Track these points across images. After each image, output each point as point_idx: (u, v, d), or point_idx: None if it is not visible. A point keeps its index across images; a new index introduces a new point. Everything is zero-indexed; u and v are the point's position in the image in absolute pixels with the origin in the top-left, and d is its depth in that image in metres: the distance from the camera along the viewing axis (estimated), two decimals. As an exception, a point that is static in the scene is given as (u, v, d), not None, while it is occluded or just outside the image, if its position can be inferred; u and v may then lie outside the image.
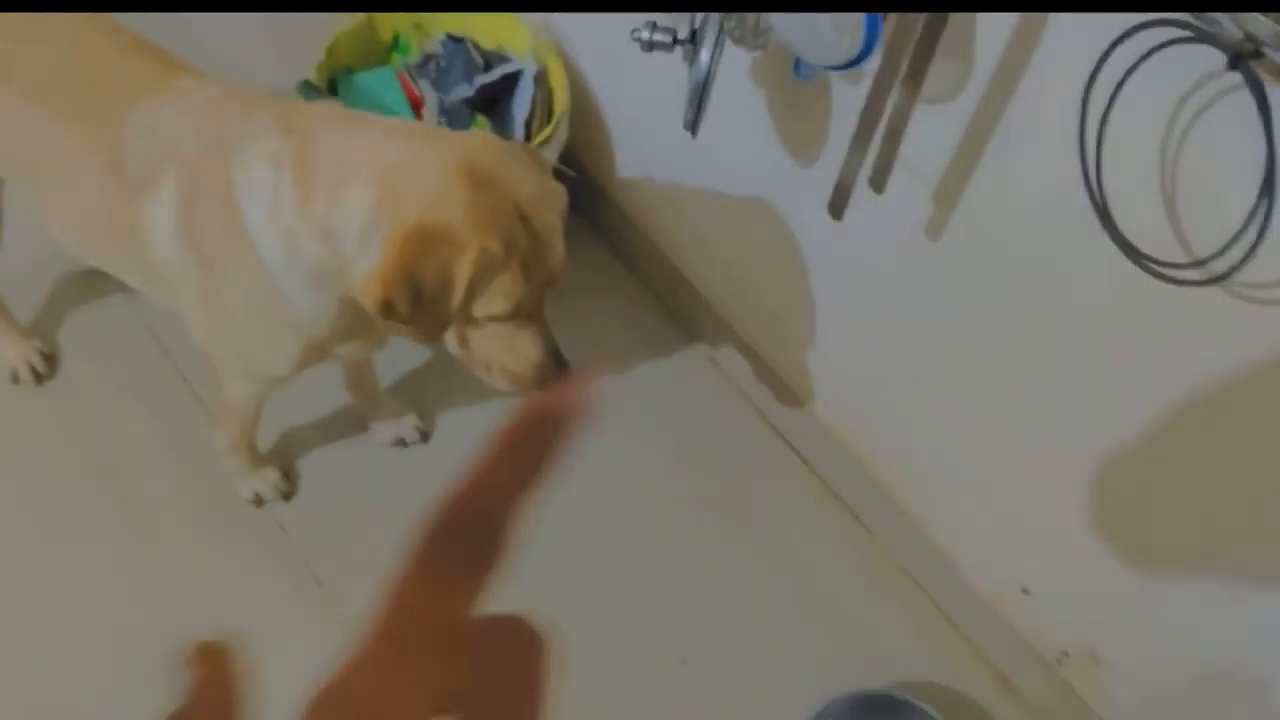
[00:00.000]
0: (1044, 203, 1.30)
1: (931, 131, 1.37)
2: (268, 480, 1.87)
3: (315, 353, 1.47)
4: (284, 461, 1.92)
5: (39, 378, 1.96)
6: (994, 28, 1.23)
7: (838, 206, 1.28)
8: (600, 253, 2.25)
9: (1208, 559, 1.41)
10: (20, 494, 1.86)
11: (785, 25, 1.20)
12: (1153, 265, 1.02)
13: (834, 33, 1.16)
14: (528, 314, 1.30)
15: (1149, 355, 1.28)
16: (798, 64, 1.27)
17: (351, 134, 1.26)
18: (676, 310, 2.17)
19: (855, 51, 1.16)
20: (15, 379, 1.95)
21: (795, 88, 1.44)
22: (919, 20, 1.11)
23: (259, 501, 1.87)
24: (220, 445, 1.79)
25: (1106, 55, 0.95)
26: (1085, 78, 1.02)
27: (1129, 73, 0.96)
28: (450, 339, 1.33)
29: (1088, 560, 1.60)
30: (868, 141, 1.21)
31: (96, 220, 1.47)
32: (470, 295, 1.22)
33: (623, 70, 1.94)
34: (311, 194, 1.24)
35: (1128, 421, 1.38)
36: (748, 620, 1.86)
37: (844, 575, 1.93)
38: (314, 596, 1.80)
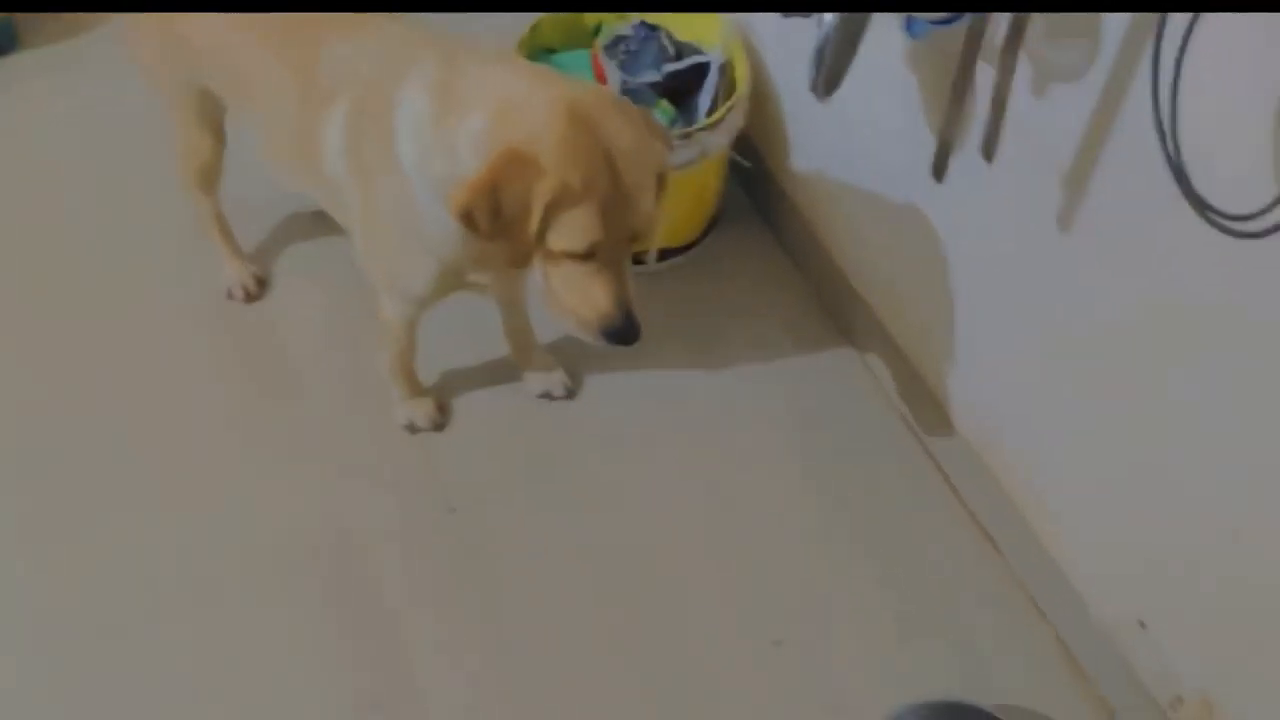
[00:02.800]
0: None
1: (1057, 110, 1.35)
2: (423, 409, 2.02)
3: (450, 277, 1.61)
4: (441, 397, 2.07)
5: (250, 298, 2.21)
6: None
7: (939, 167, 1.29)
8: (768, 242, 2.30)
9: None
10: (216, 396, 2.10)
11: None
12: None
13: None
14: (606, 261, 1.36)
15: None
16: (909, 21, 1.29)
17: (491, 69, 1.40)
18: (833, 307, 2.18)
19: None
20: (230, 296, 2.21)
21: (930, 62, 1.45)
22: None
23: (413, 429, 2.03)
24: (381, 367, 1.96)
25: None
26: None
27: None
28: (537, 274, 1.42)
29: (1210, 593, 1.49)
30: (963, 96, 1.21)
31: (290, 138, 1.67)
32: (546, 223, 1.31)
33: (803, 61, 1.99)
34: (446, 116, 1.38)
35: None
36: (857, 615, 1.84)
37: (964, 589, 1.87)
38: (444, 520, 1.94)
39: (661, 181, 1.39)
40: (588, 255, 1.36)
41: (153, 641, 1.80)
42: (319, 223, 2.28)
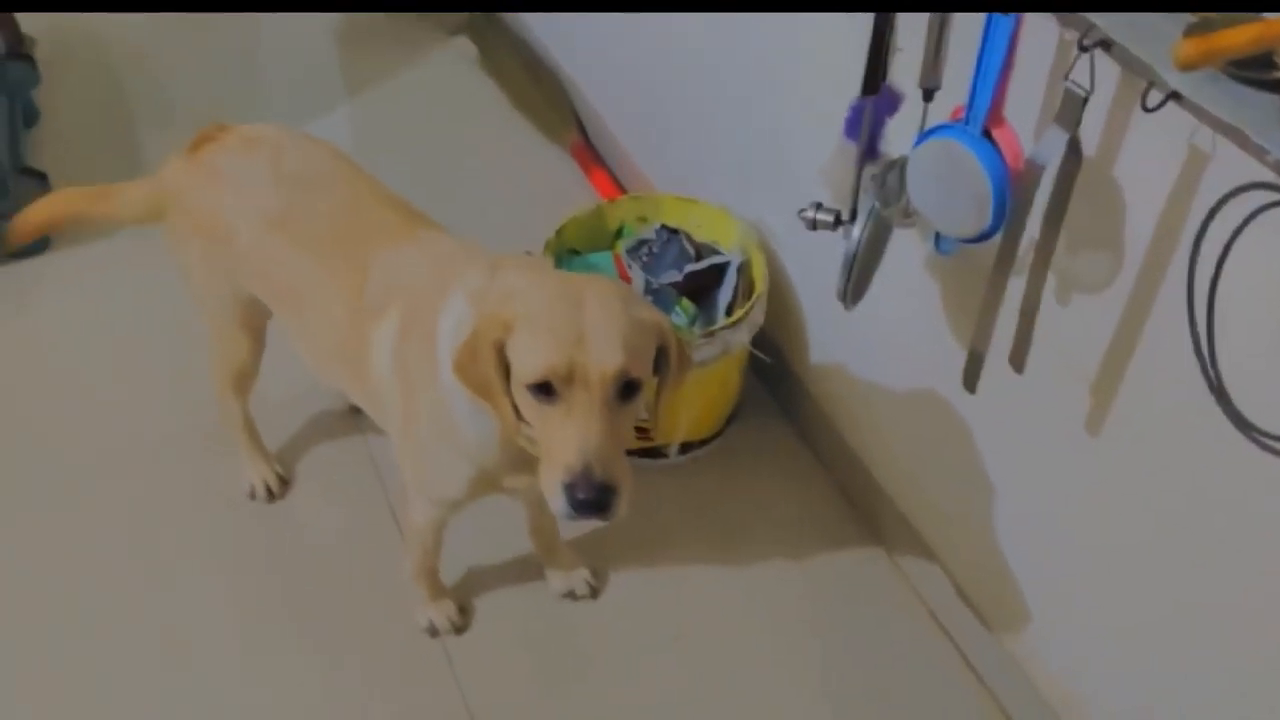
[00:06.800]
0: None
1: (1086, 321, 1.39)
2: (444, 612, 1.99)
3: (485, 482, 1.60)
4: (462, 597, 2.04)
5: (272, 498, 2.20)
6: (1141, 220, 1.25)
7: (970, 377, 1.31)
8: (788, 435, 2.31)
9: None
10: (237, 597, 2.07)
11: (925, 203, 1.28)
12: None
13: (967, 209, 1.23)
14: (576, 406, 1.31)
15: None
16: (938, 239, 1.33)
17: (527, 275, 1.43)
18: (857, 500, 2.17)
19: (985, 226, 1.22)
20: (252, 495, 2.20)
21: (956, 273, 1.50)
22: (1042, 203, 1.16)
23: (433, 632, 1.99)
24: (405, 569, 1.94)
25: (1207, 222, 0.97)
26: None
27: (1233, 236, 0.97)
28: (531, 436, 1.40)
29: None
30: (994, 311, 1.24)
31: (336, 344, 1.69)
32: (504, 358, 1.35)
33: (821, 261, 2.05)
34: None
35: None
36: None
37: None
38: (466, 731, 1.88)
39: (661, 343, 1.39)
40: (550, 391, 1.31)
41: None
42: (344, 423, 2.31)
